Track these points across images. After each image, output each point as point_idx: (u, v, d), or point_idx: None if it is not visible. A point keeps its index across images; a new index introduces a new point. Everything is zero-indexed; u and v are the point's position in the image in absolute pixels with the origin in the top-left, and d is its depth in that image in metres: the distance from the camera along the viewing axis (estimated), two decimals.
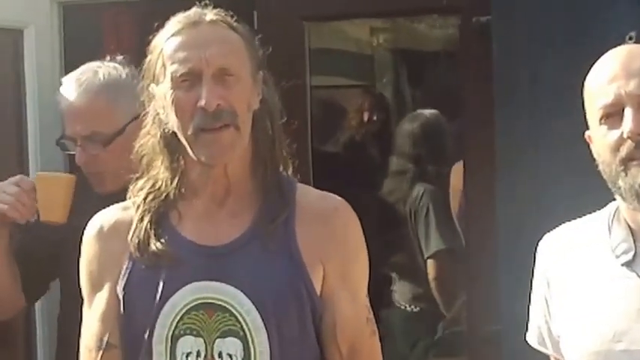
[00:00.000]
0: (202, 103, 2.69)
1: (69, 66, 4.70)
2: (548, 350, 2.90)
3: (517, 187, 4.14)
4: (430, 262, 5.62)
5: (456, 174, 5.41)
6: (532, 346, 2.95)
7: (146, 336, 2.76)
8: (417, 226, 5.70)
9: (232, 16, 2.81)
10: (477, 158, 4.43)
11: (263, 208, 2.82)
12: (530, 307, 2.93)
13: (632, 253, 2.64)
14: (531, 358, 3.80)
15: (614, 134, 2.59)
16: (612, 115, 2.60)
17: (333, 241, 2.82)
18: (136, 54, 5.03)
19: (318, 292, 2.78)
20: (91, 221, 2.94)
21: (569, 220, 2.90)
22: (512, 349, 4.09)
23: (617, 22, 3.86)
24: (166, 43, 2.76)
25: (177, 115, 2.74)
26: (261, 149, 2.84)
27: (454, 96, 4.65)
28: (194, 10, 2.79)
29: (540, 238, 3.84)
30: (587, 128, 2.73)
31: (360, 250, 2.88)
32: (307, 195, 2.89)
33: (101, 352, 2.82)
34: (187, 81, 2.72)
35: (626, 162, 2.58)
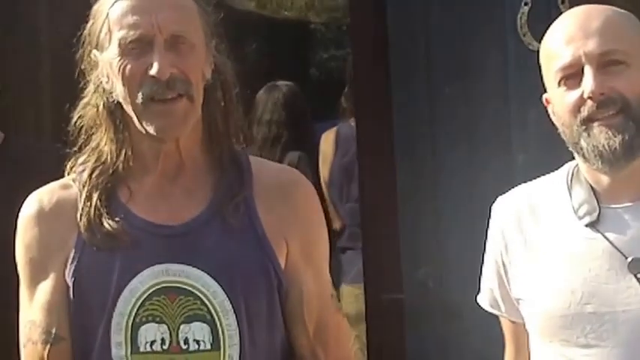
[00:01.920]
0: (154, 71, 2.59)
1: None
2: (502, 313, 2.87)
3: (415, 152, 4.19)
4: None
5: (327, 141, 5.41)
6: (484, 308, 2.92)
7: (102, 326, 2.65)
8: None
9: None
10: (369, 126, 4.46)
11: (220, 183, 2.74)
12: (483, 269, 2.90)
13: (596, 214, 2.64)
14: (439, 328, 3.84)
15: (574, 95, 2.59)
16: (571, 76, 2.61)
17: (295, 217, 2.77)
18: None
19: (283, 268, 2.73)
20: (28, 201, 2.79)
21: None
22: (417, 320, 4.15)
23: None
24: (113, 7, 2.66)
25: (124, 84, 2.63)
26: (215, 121, 2.76)
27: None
28: None
29: (439, 200, 3.86)
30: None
31: (321, 225, 2.86)
32: (264, 168, 2.84)
33: (49, 346, 2.69)
34: (136, 48, 2.62)
35: (587, 122, 2.58)
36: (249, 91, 5.65)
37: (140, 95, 2.62)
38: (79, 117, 2.76)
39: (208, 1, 2.77)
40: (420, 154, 4.11)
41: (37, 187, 2.82)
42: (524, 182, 2.84)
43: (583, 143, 2.59)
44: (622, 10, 2.71)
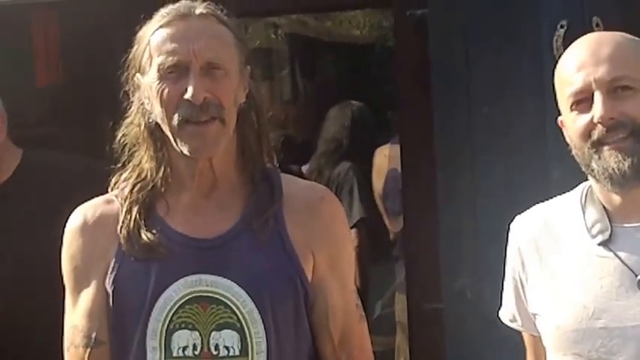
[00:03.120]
0: (189, 95, 2.63)
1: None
2: (520, 327, 2.88)
3: (455, 172, 4.17)
4: (353, 231, 5.65)
5: (380, 155, 5.45)
6: (505, 323, 2.93)
7: (138, 331, 2.70)
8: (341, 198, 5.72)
9: (222, 10, 2.76)
10: (413, 144, 4.48)
11: (251, 199, 2.77)
12: (504, 286, 2.91)
13: (608, 233, 2.63)
14: (473, 335, 3.85)
15: (585, 119, 2.59)
16: (582, 101, 2.61)
17: (322, 231, 2.80)
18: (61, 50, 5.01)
19: (310, 280, 2.76)
20: (74, 214, 2.84)
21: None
22: (454, 327, 4.16)
23: (548, 12, 3.91)
24: (154, 34, 2.71)
25: (161, 106, 2.68)
26: (248, 142, 2.80)
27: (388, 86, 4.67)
28: (183, 3, 2.75)
29: (478, 215, 3.86)
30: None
31: (347, 239, 2.91)
32: (293, 185, 2.86)
33: (89, 350, 2.75)
34: (174, 73, 2.66)
35: (598, 145, 2.58)
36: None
37: (176, 117, 2.66)
38: (122, 135, 2.81)
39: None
40: (460, 170, 4.11)
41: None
42: (559, 194, 2.82)
43: (594, 165, 2.60)
44: (633, 37, 2.71)
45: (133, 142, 2.80)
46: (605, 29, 3.64)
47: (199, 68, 2.65)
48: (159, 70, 2.67)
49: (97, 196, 2.87)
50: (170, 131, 2.69)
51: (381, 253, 5.55)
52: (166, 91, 2.66)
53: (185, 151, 2.68)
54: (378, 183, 5.61)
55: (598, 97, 2.58)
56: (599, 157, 2.59)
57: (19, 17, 4.89)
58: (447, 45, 4.15)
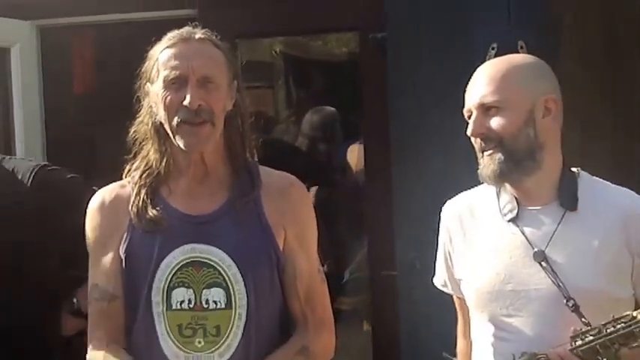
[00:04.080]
0: (187, 102, 2.66)
1: (45, 79, 4.69)
2: (450, 291, 2.92)
3: (407, 161, 4.17)
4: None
5: (352, 152, 5.46)
6: (438, 287, 2.97)
7: (145, 289, 2.72)
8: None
9: (216, 36, 2.79)
10: (374, 141, 4.50)
11: (236, 186, 2.79)
12: (437, 257, 2.94)
13: (515, 212, 2.67)
14: (422, 298, 3.88)
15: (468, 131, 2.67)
16: (470, 117, 2.67)
17: (291, 211, 2.81)
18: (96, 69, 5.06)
19: (281, 249, 2.78)
20: (95, 196, 2.86)
21: (448, 187, 2.94)
22: (405, 290, 4.18)
23: (484, 36, 3.93)
24: (162, 53, 2.73)
25: (164, 110, 2.70)
26: (233, 141, 2.82)
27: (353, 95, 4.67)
28: (186, 29, 2.76)
29: (426, 200, 3.88)
30: (461, 121, 2.78)
31: (311, 217, 2.89)
32: (269, 175, 2.87)
33: (107, 302, 2.77)
34: (176, 84, 2.69)
35: (481, 152, 2.65)
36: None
37: (176, 119, 2.68)
38: (134, 132, 2.83)
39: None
40: (410, 162, 4.12)
41: None
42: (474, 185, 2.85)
43: (479, 167, 2.68)
44: (516, 61, 2.73)
45: (142, 137, 2.82)
46: (528, 51, 3.64)
47: (196, 81, 2.67)
48: (164, 81, 2.70)
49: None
50: (170, 130, 2.71)
51: (354, 231, 5.58)
52: (169, 98, 2.69)
53: (182, 146, 2.70)
54: (351, 174, 5.61)
55: (473, 116, 2.65)
56: (482, 162, 2.66)
57: (62, 36, 4.93)
58: (401, 62, 4.14)
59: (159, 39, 2.80)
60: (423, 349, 3.94)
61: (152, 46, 2.79)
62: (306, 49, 7.01)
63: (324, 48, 6.86)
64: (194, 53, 2.72)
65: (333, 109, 6.04)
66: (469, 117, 2.67)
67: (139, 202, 2.78)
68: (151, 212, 2.75)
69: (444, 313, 3.06)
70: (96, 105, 5.11)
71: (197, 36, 2.74)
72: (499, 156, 2.61)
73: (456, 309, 2.97)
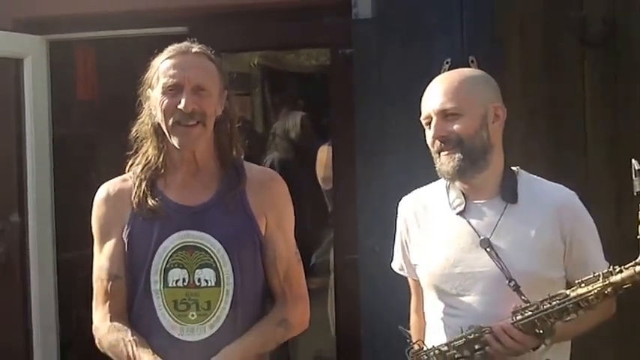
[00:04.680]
0: (181, 106, 2.68)
1: (53, 89, 4.71)
2: (406, 274, 2.94)
3: (371, 160, 4.19)
4: None
5: (322, 151, 5.48)
6: (395, 271, 2.98)
7: (144, 269, 2.74)
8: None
9: (211, 50, 2.80)
10: (341, 142, 4.50)
11: (224, 181, 2.81)
12: (395, 245, 2.95)
13: (463, 205, 2.69)
14: (380, 278, 3.90)
15: (430, 135, 2.69)
16: (428, 122, 2.69)
17: (271, 201, 2.83)
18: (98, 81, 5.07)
19: (263, 235, 2.80)
20: (100, 189, 2.86)
21: (405, 183, 2.95)
22: (365, 272, 4.21)
23: (439, 52, 3.96)
24: (162, 63, 2.75)
25: (162, 112, 2.72)
26: (222, 141, 2.83)
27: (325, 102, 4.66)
28: (184, 44, 2.79)
29: (385, 194, 3.90)
30: (417, 126, 2.81)
31: (289, 206, 2.90)
32: (252, 170, 2.89)
33: (111, 282, 2.77)
34: (173, 90, 2.71)
35: (438, 153, 2.66)
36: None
37: (171, 120, 2.70)
38: (135, 131, 2.85)
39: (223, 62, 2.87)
40: (373, 161, 4.14)
41: None
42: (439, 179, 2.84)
43: (437, 166, 2.68)
44: (470, 72, 2.78)
45: (142, 136, 2.83)
46: (478, 65, 3.71)
47: (190, 89, 2.70)
48: (162, 88, 2.72)
49: None
50: (167, 130, 2.73)
51: (321, 219, 5.60)
52: (166, 102, 2.70)
53: (176, 144, 2.72)
54: (320, 170, 5.59)
55: (434, 121, 2.65)
56: (439, 161, 2.66)
57: (67, 49, 4.94)
58: (365, 74, 4.16)
59: (153, 52, 2.82)
60: (380, 322, 3.92)
61: (152, 58, 2.80)
62: (281, 62, 7.03)
63: (296, 61, 6.89)
64: (190, 65, 2.73)
65: (303, 112, 6.07)
66: (427, 123, 2.69)
67: (139, 194, 2.78)
68: (151, 202, 2.76)
69: (399, 292, 3.06)
70: (96, 109, 5.12)
71: (194, 50, 2.77)
72: (458, 155, 2.62)
73: (410, 289, 2.98)
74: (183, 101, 2.69)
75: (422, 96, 2.73)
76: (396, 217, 2.90)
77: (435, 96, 2.67)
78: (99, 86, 4.99)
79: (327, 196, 5.57)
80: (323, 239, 5.55)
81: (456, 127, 2.63)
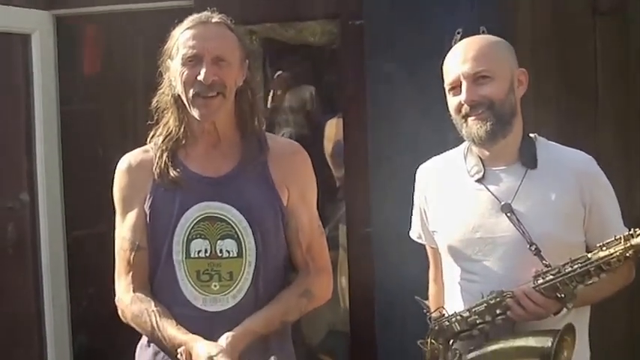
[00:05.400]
0: (201, 77, 2.70)
1: (60, 65, 4.76)
2: (424, 241, 2.98)
3: (383, 132, 4.24)
4: None
5: (330, 126, 5.51)
6: (413, 239, 3.02)
7: (167, 240, 2.76)
8: None
9: (231, 20, 2.82)
10: (352, 116, 4.52)
11: (245, 151, 2.83)
12: (413, 213, 2.99)
13: (481, 173, 2.74)
14: (394, 250, 3.99)
15: (457, 100, 2.70)
16: (455, 87, 2.71)
17: (294, 172, 2.85)
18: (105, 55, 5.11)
19: (285, 206, 2.81)
20: (122, 160, 2.88)
21: (418, 156, 2.98)
22: (378, 245, 4.27)
23: (450, 22, 3.98)
24: (182, 33, 2.75)
25: (182, 83, 2.74)
26: (243, 112, 2.85)
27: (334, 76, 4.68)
28: (205, 14, 2.78)
29: (397, 166, 3.96)
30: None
31: (312, 178, 2.92)
32: (275, 141, 2.91)
33: (133, 253, 2.79)
34: (192, 61, 2.72)
35: (466, 117, 2.69)
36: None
37: (191, 91, 2.71)
38: (156, 101, 2.86)
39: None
40: (384, 134, 4.17)
41: None
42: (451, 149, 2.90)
43: (464, 131, 2.70)
44: (493, 38, 2.79)
45: (163, 107, 2.85)
46: (489, 33, 3.79)
47: (210, 60, 2.71)
48: (182, 59, 2.73)
49: None
50: (187, 101, 2.75)
51: (329, 194, 5.62)
52: (186, 73, 2.72)
53: (196, 116, 2.74)
54: (328, 145, 5.56)
55: (464, 85, 2.67)
56: (467, 126, 2.69)
57: (73, 25, 4.99)
58: (376, 46, 4.19)
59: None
60: (395, 295, 4.01)
61: (174, 27, 2.81)
62: (283, 35, 7.03)
63: (300, 33, 6.87)
64: (210, 35, 2.75)
65: (312, 86, 6.09)
66: (453, 87, 2.71)
67: (161, 164, 2.80)
68: (172, 173, 2.78)
69: (414, 263, 3.12)
70: (102, 84, 5.17)
71: (214, 20, 2.77)
72: (490, 119, 2.66)
73: (428, 259, 3.03)
74: (202, 72, 2.71)
75: (441, 64, 2.77)
76: (413, 186, 2.95)
77: (465, 59, 2.70)
78: (106, 61, 5.03)
79: (336, 171, 5.62)
80: (332, 214, 5.60)
81: (486, 90, 2.67)
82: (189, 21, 2.79)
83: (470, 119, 2.69)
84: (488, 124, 2.67)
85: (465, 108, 2.69)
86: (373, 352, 4.31)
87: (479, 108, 2.67)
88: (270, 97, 5.86)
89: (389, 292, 4.18)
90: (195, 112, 2.76)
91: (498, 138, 2.70)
